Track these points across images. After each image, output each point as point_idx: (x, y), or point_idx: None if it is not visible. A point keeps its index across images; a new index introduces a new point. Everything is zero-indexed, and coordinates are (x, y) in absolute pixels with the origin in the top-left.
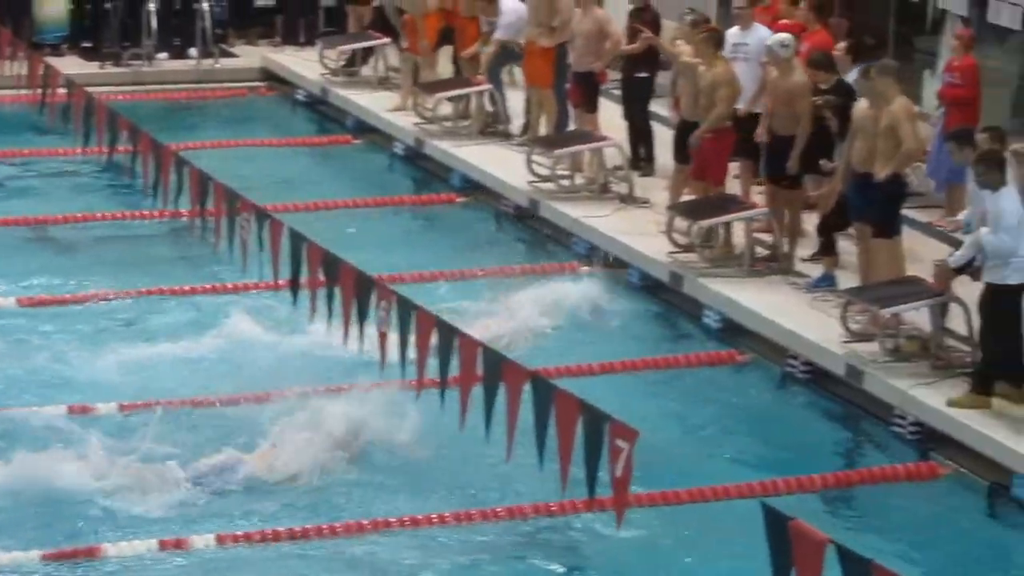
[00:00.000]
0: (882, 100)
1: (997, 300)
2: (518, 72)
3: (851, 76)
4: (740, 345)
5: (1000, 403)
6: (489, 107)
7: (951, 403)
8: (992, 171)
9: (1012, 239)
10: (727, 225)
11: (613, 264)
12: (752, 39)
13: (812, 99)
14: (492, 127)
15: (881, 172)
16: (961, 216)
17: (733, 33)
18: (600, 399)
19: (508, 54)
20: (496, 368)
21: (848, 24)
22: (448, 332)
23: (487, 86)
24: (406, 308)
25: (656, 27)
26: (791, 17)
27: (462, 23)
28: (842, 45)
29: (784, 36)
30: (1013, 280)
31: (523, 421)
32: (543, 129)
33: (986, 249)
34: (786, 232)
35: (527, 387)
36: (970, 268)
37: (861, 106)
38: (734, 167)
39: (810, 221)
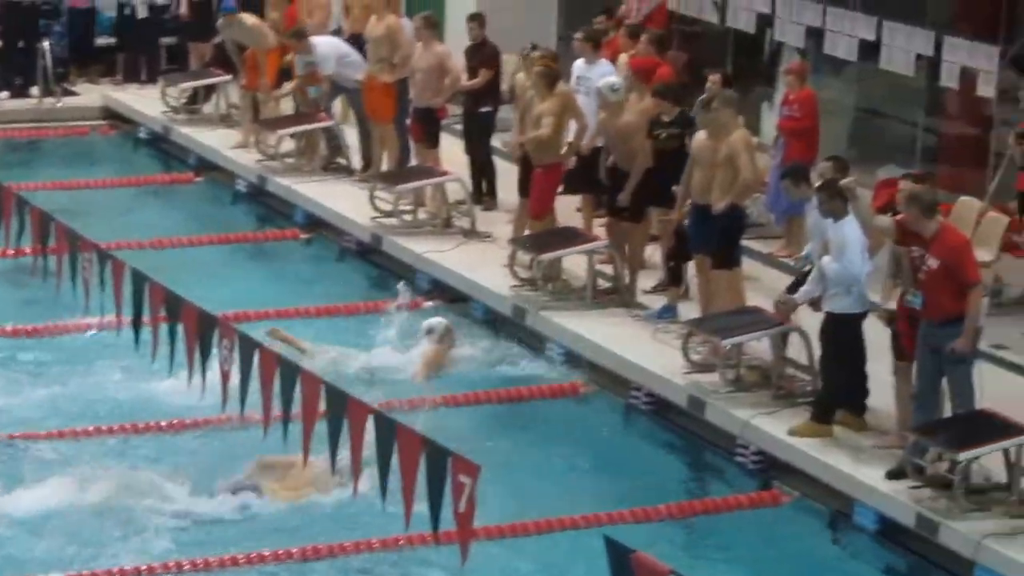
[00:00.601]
0: (722, 131)
1: (839, 329)
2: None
3: None
4: (583, 377)
5: (841, 431)
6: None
7: (792, 432)
8: (835, 200)
9: (855, 267)
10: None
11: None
12: (595, 73)
13: (655, 132)
14: (334, 163)
15: (719, 203)
16: (805, 252)
17: (578, 66)
18: (444, 432)
19: (338, 88)
20: (339, 404)
21: (687, 57)
22: (290, 369)
23: (330, 122)
24: (248, 346)
25: (495, 62)
26: (628, 50)
27: None
28: (716, 77)
29: (614, 80)
30: (855, 309)
31: (369, 457)
32: (385, 165)
33: (829, 277)
34: (627, 264)
35: (370, 423)
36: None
37: (699, 137)
38: (576, 200)
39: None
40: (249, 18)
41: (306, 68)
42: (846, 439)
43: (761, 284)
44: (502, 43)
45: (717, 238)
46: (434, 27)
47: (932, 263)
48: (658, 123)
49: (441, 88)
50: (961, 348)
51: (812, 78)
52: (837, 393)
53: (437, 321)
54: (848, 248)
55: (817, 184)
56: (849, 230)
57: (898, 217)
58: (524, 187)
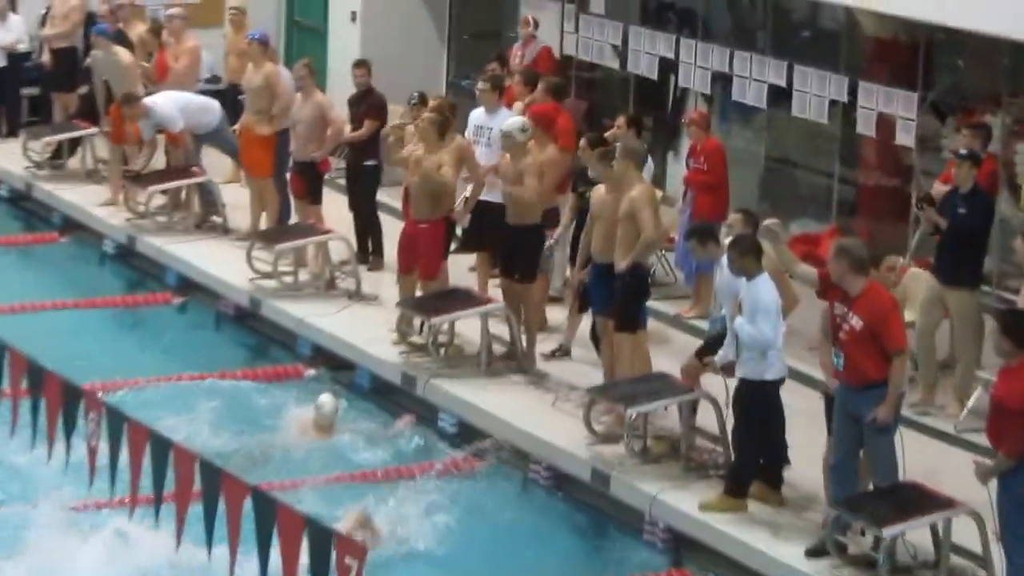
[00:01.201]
0: (623, 184)
1: (754, 396)
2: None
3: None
4: (477, 449)
5: (756, 505)
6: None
7: (704, 507)
8: (747, 257)
9: (771, 329)
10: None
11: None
12: (497, 122)
13: (580, 188)
14: (209, 221)
15: (621, 262)
16: (718, 313)
17: (477, 115)
18: (329, 512)
19: (200, 138)
20: (215, 482)
21: (586, 105)
22: (162, 445)
23: (203, 177)
24: (117, 419)
25: (382, 112)
26: (524, 98)
27: None
28: (622, 120)
29: (522, 120)
30: (771, 375)
31: (247, 538)
32: (264, 222)
33: (743, 340)
34: (524, 328)
35: (248, 502)
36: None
37: (599, 192)
38: (471, 259)
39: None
40: (125, 56)
41: (152, 132)
42: (762, 514)
43: (669, 347)
44: (388, 92)
45: (620, 299)
46: (315, 75)
47: (855, 323)
48: (584, 178)
49: (323, 140)
50: (883, 417)
51: (720, 127)
52: (751, 465)
53: (330, 401)
54: (762, 309)
55: (728, 239)
56: (763, 289)
57: (823, 270)
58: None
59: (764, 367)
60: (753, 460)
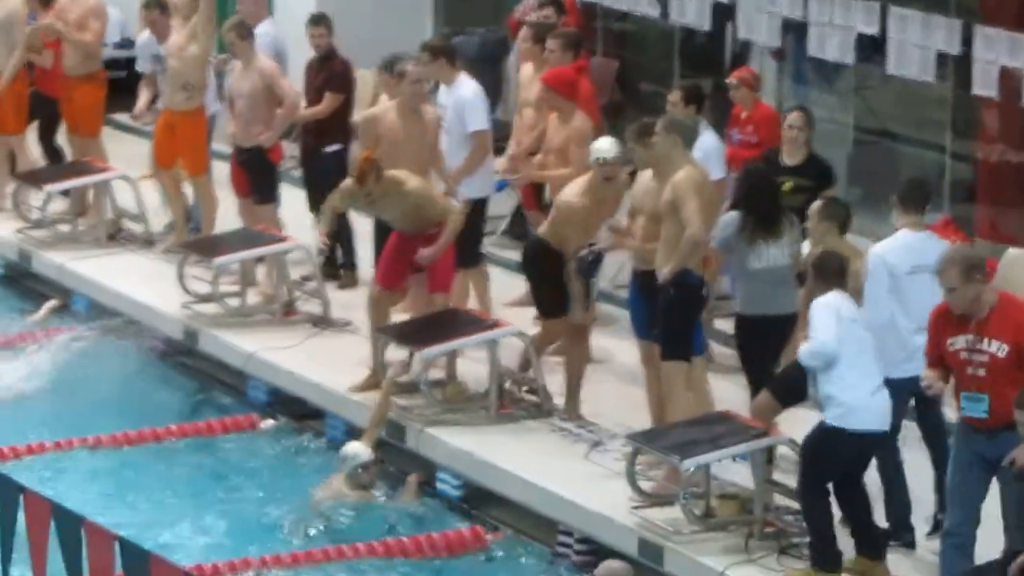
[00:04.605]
0: (667, 168)
1: (821, 446)
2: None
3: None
4: (490, 519)
5: None
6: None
7: None
8: (822, 277)
9: (829, 333)
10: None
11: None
12: (451, 99)
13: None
14: (125, 230)
15: (665, 267)
16: None
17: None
18: None
19: None
20: (142, 567)
21: (618, 64)
22: (71, 521)
23: (117, 173)
24: (8, 490)
25: (346, 82)
26: (534, 59)
27: (70, 86)
28: (676, 95)
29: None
30: (853, 425)
31: None
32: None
33: (806, 366)
34: (566, 358)
35: None
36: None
37: (642, 179)
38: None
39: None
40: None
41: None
42: None
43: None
44: (357, 56)
45: (666, 317)
46: (254, 36)
47: (996, 350)
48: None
49: (271, 120)
50: None
51: (795, 90)
52: (825, 533)
53: (356, 451)
54: (817, 316)
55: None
56: (819, 303)
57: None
58: (381, 249)
59: (840, 412)
60: (823, 528)
